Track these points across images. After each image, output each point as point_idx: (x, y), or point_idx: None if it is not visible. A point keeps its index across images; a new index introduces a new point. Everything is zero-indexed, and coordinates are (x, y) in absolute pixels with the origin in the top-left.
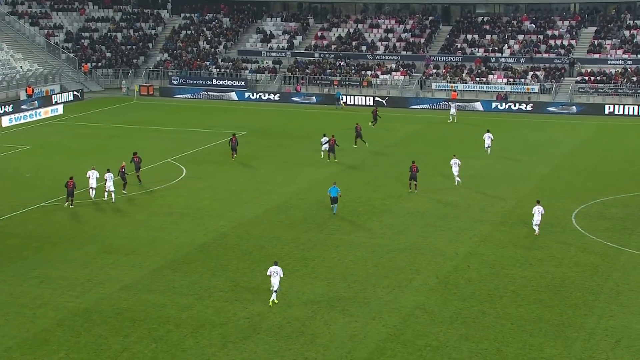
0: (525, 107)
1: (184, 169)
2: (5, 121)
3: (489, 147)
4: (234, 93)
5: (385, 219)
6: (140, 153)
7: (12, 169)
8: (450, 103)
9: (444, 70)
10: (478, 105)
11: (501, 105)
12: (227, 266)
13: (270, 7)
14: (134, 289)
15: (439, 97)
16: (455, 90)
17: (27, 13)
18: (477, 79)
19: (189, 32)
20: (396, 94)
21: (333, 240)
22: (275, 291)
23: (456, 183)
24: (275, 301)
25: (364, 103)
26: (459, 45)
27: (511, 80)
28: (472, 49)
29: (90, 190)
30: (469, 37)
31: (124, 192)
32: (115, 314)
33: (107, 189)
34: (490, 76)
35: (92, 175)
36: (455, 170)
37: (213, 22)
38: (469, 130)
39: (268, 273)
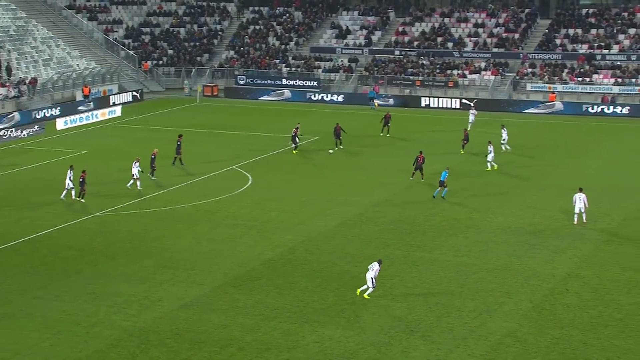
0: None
1: (250, 177)
2: (60, 124)
3: (503, 142)
4: (306, 94)
5: (472, 235)
6: (204, 159)
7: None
8: (471, 107)
9: (540, 70)
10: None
11: (608, 109)
12: (296, 284)
13: (347, 0)
14: (195, 307)
15: (535, 100)
16: (553, 92)
17: (85, 7)
18: (580, 79)
19: (257, 27)
20: (486, 95)
21: (413, 258)
22: (362, 289)
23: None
24: (366, 296)
25: (449, 106)
26: (559, 42)
27: (620, 80)
28: (575, 45)
29: (67, 190)
30: (571, 31)
31: (153, 178)
32: (174, 334)
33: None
34: (595, 76)
35: (69, 174)
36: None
37: (284, 17)
38: (568, 138)
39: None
